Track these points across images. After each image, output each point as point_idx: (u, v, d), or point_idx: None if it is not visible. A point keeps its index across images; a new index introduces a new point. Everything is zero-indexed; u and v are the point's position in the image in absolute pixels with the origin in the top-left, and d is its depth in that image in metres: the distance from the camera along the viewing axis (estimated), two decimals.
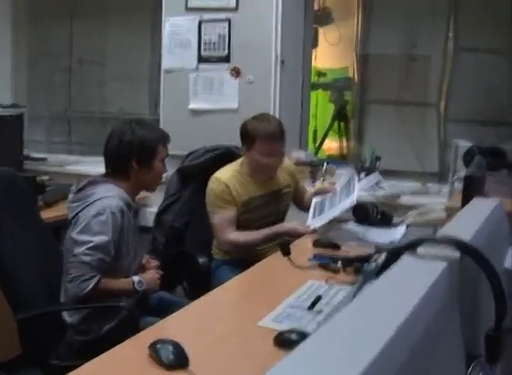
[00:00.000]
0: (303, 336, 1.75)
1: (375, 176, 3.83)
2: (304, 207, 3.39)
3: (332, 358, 0.59)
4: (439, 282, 0.86)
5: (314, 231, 3.06)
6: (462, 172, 2.62)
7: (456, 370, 0.90)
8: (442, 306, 0.88)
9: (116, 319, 2.41)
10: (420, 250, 0.98)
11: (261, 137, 3.03)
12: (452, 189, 2.72)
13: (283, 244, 2.19)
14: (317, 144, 5.00)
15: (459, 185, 2.54)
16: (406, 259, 0.93)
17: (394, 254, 1.01)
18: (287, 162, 3.37)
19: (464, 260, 0.96)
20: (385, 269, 0.95)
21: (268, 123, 3.07)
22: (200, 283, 3.08)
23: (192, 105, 4.18)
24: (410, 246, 1.02)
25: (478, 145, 2.75)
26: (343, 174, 3.37)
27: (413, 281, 0.86)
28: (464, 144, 2.82)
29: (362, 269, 2.24)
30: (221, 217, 3.08)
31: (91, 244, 2.34)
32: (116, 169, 2.55)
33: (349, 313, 0.73)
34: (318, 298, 2.05)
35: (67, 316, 2.45)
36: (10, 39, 5.29)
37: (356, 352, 0.61)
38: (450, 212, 2.12)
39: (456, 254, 0.96)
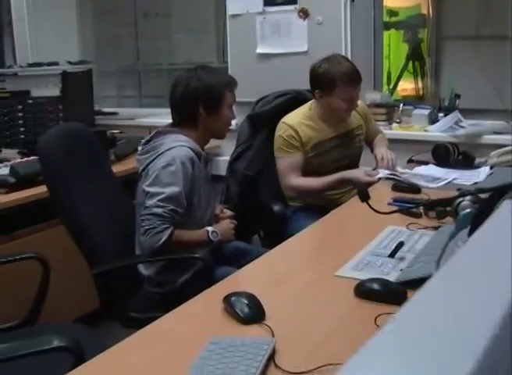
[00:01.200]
0: (385, 285, 1.64)
1: (454, 115, 3.62)
2: (373, 148, 3.25)
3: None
4: None
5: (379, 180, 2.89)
6: None
7: None
8: None
9: (192, 270, 2.36)
10: None
11: (343, 83, 2.87)
12: None
13: (361, 188, 2.06)
14: (391, 86, 4.77)
15: None
16: (507, 206, 0.80)
17: (495, 196, 0.87)
18: (359, 102, 3.21)
19: None
20: (487, 213, 0.82)
21: (345, 65, 2.91)
22: (276, 232, 3.00)
23: (260, 50, 4.03)
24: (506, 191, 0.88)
25: None
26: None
27: None
28: None
29: (458, 214, 2.11)
30: (285, 162, 2.99)
31: (163, 196, 2.28)
32: (183, 118, 2.47)
33: (462, 265, 0.61)
34: (400, 245, 1.93)
35: (143, 269, 2.42)
36: None
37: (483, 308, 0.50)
38: None
39: None
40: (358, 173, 2.92)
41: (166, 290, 2.37)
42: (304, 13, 3.85)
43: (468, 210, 1.11)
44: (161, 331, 1.53)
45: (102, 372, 1.35)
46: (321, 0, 3.81)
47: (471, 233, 0.92)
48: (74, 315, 3.01)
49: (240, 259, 2.49)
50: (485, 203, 0.87)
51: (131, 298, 2.38)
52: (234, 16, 4.11)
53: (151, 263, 2.40)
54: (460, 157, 3.20)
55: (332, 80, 2.87)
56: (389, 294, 1.60)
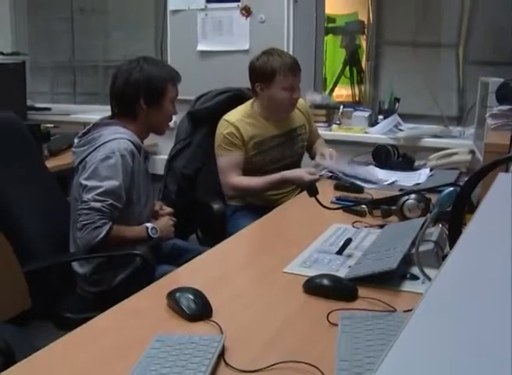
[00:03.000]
0: (336, 281, 1.58)
1: (394, 118, 3.63)
2: (313, 154, 3.20)
3: None
4: None
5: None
6: (495, 108, 2.40)
7: None
8: None
9: (130, 267, 2.25)
10: None
11: (281, 71, 2.84)
12: (483, 128, 2.51)
13: (310, 184, 2.00)
14: (327, 92, 4.75)
15: (492, 122, 2.33)
16: (503, 178, 0.74)
17: (478, 176, 0.82)
18: (302, 101, 3.16)
19: None
20: (469, 192, 0.76)
21: (284, 56, 2.89)
22: (215, 231, 2.91)
23: (200, 47, 3.95)
24: (496, 165, 0.83)
25: None
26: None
27: None
28: (496, 80, 2.59)
29: (404, 213, 2.08)
30: (226, 160, 2.93)
31: (101, 190, 2.16)
32: (123, 110, 2.36)
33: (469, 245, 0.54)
34: (349, 241, 1.87)
35: (78, 267, 2.30)
36: None
37: None
38: (491, 148, 1.92)
39: None
40: (300, 173, 2.87)
41: (102, 289, 2.26)
42: (247, 11, 3.79)
43: (451, 189, 1.06)
44: (100, 329, 1.42)
45: (35, 374, 1.23)
46: None
47: (453, 212, 0.86)
48: (6, 315, 2.83)
49: (178, 258, 2.40)
50: (467, 183, 0.81)
51: (65, 298, 2.26)
52: (175, 11, 4.01)
53: (87, 261, 2.28)
54: (400, 159, 3.20)
55: (271, 70, 2.85)
56: (339, 291, 1.54)
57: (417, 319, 0.49)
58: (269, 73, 2.84)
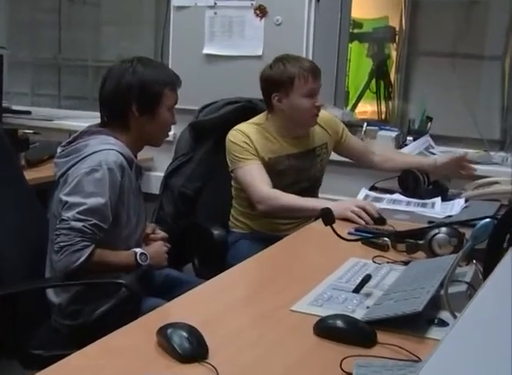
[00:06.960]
0: (351, 323, 1.59)
1: (425, 140, 3.65)
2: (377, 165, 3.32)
3: None
4: None
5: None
6: None
7: None
8: None
9: (113, 299, 2.25)
10: None
11: (301, 76, 2.86)
12: None
13: (326, 211, 2.02)
14: (349, 108, 4.76)
15: None
16: None
17: None
18: (325, 115, 3.16)
19: None
20: (509, 225, 0.77)
21: (301, 60, 2.93)
22: (214, 260, 2.93)
23: (207, 50, 3.99)
24: None
25: None
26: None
27: None
28: None
29: (433, 248, 2.09)
30: (249, 170, 2.89)
31: (84, 208, 2.19)
32: (114, 118, 2.40)
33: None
34: (368, 278, 1.88)
35: (53, 295, 2.32)
36: None
37: None
38: None
39: None
40: (345, 205, 2.73)
41: (80, 322, 2.26)
42: (262, 11, 3.83)
43: (488, 220, 1.07)
44: (77, 368, 1.42)
45: None
46: None
47: (489, 248, 0.87)
48: None
49: (172, 290, 2.41)
50: (507, 214, 0.83)
51: (36, 332, 2.26)
52: (180, 7, 4.06)
53: (64, 289, 2.29)
54: (431, 187, 3.21)
55: (289, 77, 2.87)
56: (355, 334, 1.55)
57: (436, 362, 0.50)
58: (286, 81, 2.87)
